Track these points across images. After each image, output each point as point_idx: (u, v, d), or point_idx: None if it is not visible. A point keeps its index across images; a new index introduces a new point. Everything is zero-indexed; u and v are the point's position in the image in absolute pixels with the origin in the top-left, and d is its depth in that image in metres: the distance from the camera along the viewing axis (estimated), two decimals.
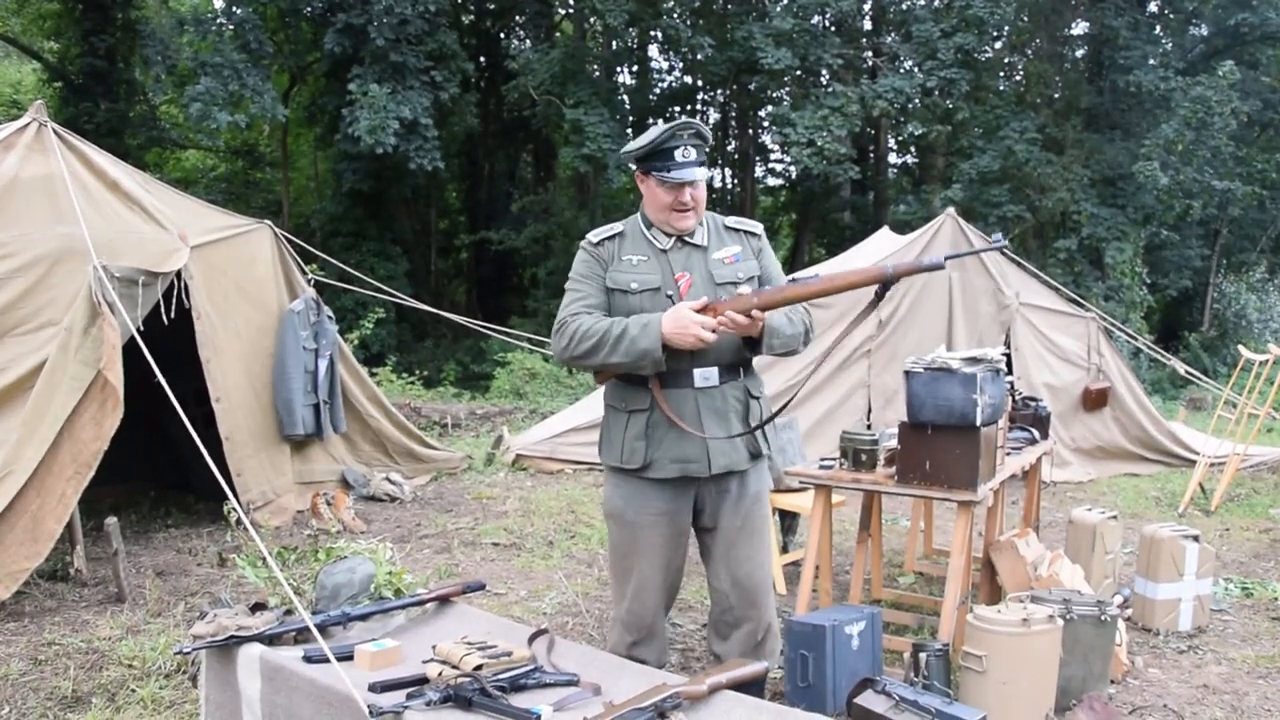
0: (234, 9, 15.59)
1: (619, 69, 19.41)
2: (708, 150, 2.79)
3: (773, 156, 20.44)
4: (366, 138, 13.58)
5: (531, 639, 2.60)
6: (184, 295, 5.07)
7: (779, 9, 15.18)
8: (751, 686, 2.41)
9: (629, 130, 16.79)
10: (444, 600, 2.95)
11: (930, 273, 2.80)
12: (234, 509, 4.44)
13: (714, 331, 2.60)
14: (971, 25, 14.52)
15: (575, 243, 3.01)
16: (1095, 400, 7.72)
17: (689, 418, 2.73)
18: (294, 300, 6.12)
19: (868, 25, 18.36)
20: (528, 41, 19.41)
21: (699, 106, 20.57)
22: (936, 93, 15.20)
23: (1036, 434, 4.44)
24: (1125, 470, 7.84)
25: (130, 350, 4.33)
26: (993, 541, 3.92)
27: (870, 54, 17.20)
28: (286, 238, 6.30)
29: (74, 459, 4.31)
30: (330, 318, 6.27)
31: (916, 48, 15.14)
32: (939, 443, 3.32)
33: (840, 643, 3.21)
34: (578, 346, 2.69)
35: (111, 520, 4.50)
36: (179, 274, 5.01)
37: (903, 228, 11.12)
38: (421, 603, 2.91)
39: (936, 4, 15.94)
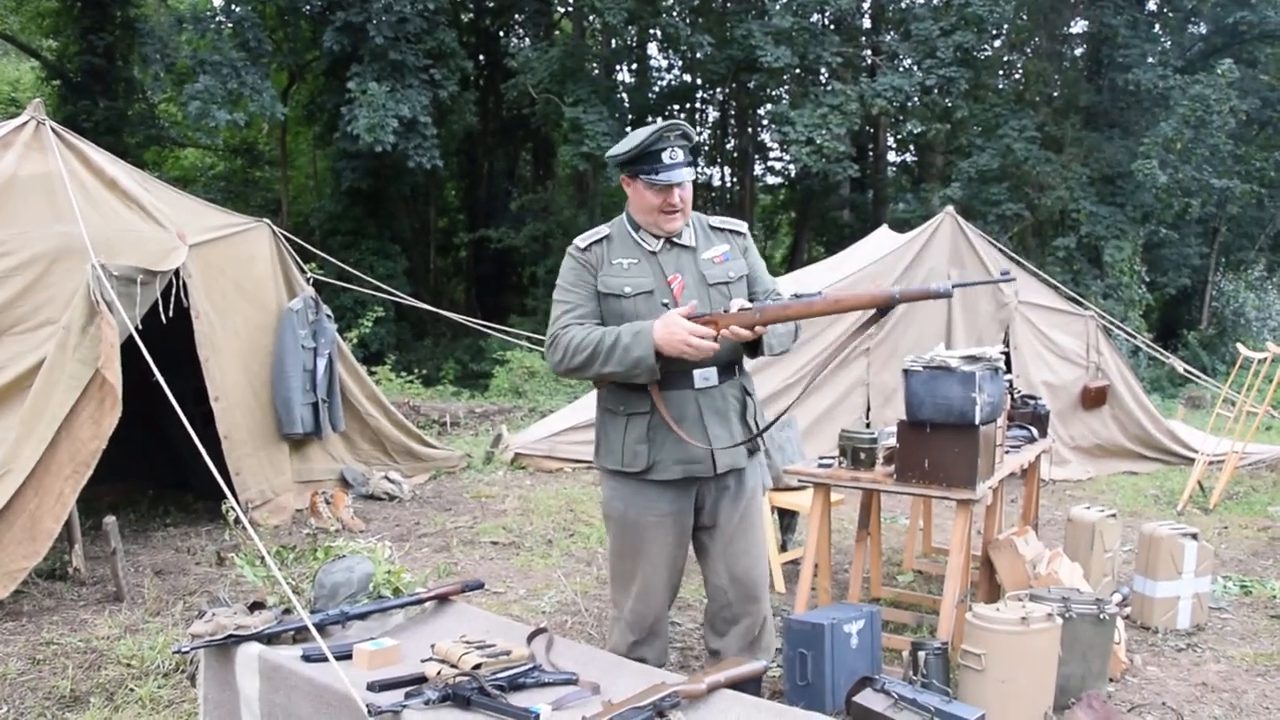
0: (233, 7, 15.59)
1: (618, 67, 19.41)
2: (694, 150, 2.78)
3: (772, 155, 20.46)
4: (365, 136, 13.57)
5: (530, 638, 2.60)
6: (182, 294, 5.07)
7: (778, 7, 15.18)
8: (748, 684, 2.41)
9: (628, 128, 16.79)
10: (442, 599, 2.95)
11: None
12: (232, 508, 4.44)
13: (715, 340, 2.58)
14: (970, 23, 14.51)
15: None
16: (1094, 398, 7.73)
17: (691, 418, 2.72)
18: (293, 299, 6.12)
19: (867, 23, 18.36)
20: (527, 40, 19.41)
21: (698, 105, 20.59)
22: (935, 91, 15.20)
23: (1035, 432, 4.44)
24: (1124, 468, 7.84)
25: (128, 349, 4.32)
26: (991, 540, 3.93)
27: (869, 52, 17.20)
28: (285, 236, 6.29)
29: (72, 458, 4.30)
30: (329, 316, 6.27)
31: (915, 46, 15.13)
32: (938, 441, 3.32)
33: (839, 641, 3.21)
34: (573, 359, 2.68)
35: (110, 519, 4.49)
36: (177, 273, 5.01)
37: (902, 226, 11.12)
38: (420, 601, 2.91)
39: (935, 2, 15.92)
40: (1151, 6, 17.69)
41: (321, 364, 6.08)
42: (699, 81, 19.55)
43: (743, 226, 2.94)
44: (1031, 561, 3.80)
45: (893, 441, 3.55)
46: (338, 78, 15.33)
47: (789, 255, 21.47)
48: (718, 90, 19.89)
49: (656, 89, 19.71)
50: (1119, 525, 4.58)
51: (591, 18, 16.97)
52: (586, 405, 8.04)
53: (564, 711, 2.21)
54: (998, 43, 17.08)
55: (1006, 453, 3.95)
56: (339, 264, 9.21)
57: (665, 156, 2.65)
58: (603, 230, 2.84)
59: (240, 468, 5.53)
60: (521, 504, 6.41)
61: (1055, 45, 17.49)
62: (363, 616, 2.78)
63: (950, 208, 7.95)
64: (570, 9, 18.31)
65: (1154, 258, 16.37)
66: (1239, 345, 8.34)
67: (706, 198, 20.93)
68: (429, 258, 19.35)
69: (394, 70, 14.41)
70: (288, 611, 2.74)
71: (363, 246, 16.42)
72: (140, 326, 4.51)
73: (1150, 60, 15.64)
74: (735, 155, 20.92)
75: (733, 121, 20.89)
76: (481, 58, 19.42)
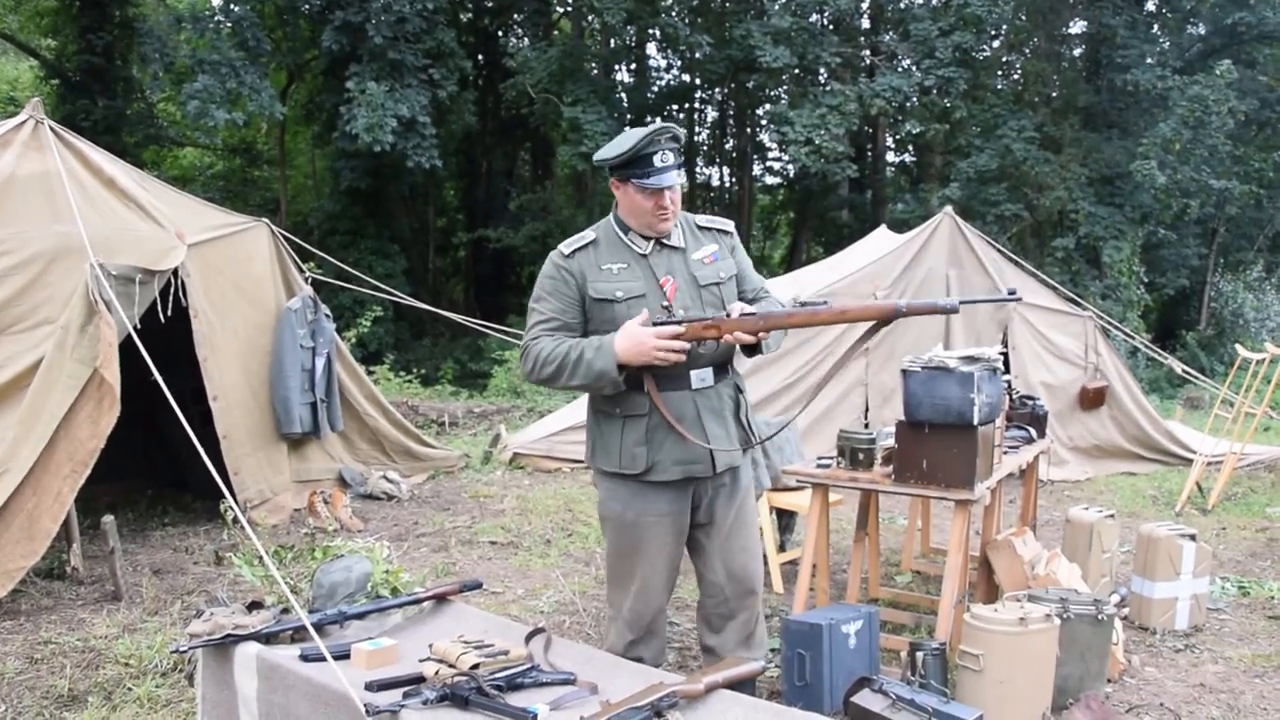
0: (232, 6, 15.60)
1: (617, 67, 19.41)
2: (685, 151, 2.78)
3: (771, 155, 20.47)
4: (364, 136, 13.57)
5: (528, 638, 2.60)
6: (181, 293, 5.06)
7: (777, 7, 15.19)
8: (743, 684, 2.41)
9: (627, 128, 16.78)
10: (441, 599, 2.95)
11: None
12: (231, 507, 4.43)
13: (718, 340, 2.59)
14: (969, 24, 14.52)
15: None
16: (1092, 399, 7.73)
17: (689, 419, 2.73)
18: (291, 298, 6.11)
19: (866, 24, 18.37)
20: (526, 39, 19.41)
21: (697, 105, 20.59)
22: (934, 91, 15.21)
23: (1034, 433, 4.44)
24: (1122, 469, 7.84)
25: (127, 348, 4.32)
26: (990, 540, 3.93)
27: (868, 52, 17.21)
28: (284, 236, 6.29)
29: (70, 457, 4.30)
30: (328, 316, 6.26)
31: (914, 46, 15.14)
32: (936, 441, 3.32)
33: (837, 641, 3.21)
34: (541, 371, 2.69)
35: (108, 519, 4.49)
36: (176, 272, 5.00)
37: (900, 226, 11.13)
38: (418, 601, 2.91)
39: (934, 2, 15.93)
40: (1150, 7, 17.70)
41: (320, 363, 6.07)
42: (698, 81, 19.55)
43: (730, 225, 2.94)
44: (1030, 562, 3.80)
45: (891, 442, 3.55)
46: (336, 77, 15.32)
47: (787, 255, 21.49)
48: (716, 90, 19.89)
49: (655, 89, 19.71)
50: (1117, 526, 4.58)
51: (590, 17, 16.98)
52: (585, 405, 8.03)
53: (562, 711, 2.21)
54: (996, 43, 17.10)
55: (1005, 453, 3.95)
56: (338, 264, 9.21)
57: (656, 160, 2.64)
58: (588, 235, 2.80)
59: (239, 467, 5.53)
60: (520, 504, 6.41)
61: (1054, 46, 17.50)
62: (361, 616, 2.78)
63: (949, 208, 7.95)
64: (569, 9, 18.32)
65: (1153, 258, 16.38)
66: (1237, 346, 8.35)
67: (705, 198, 20.94)
68: (428, 257, 19.35)
69: (393, 70, 14.41)
70: (286, 611, 2.74)
71: (361, 246, 16.42)
72: (139, 326, 4.50)
73: (1149, 61, 15.66)
74: (734, 155, 20.93)
75: (731, 121, 20.90)
76: (480, 57, 19.43)
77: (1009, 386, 4.19)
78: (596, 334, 2.70)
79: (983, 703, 2.98)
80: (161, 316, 4.93)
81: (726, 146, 21.13)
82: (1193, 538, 4.25)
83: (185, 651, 2.68)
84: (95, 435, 4.34)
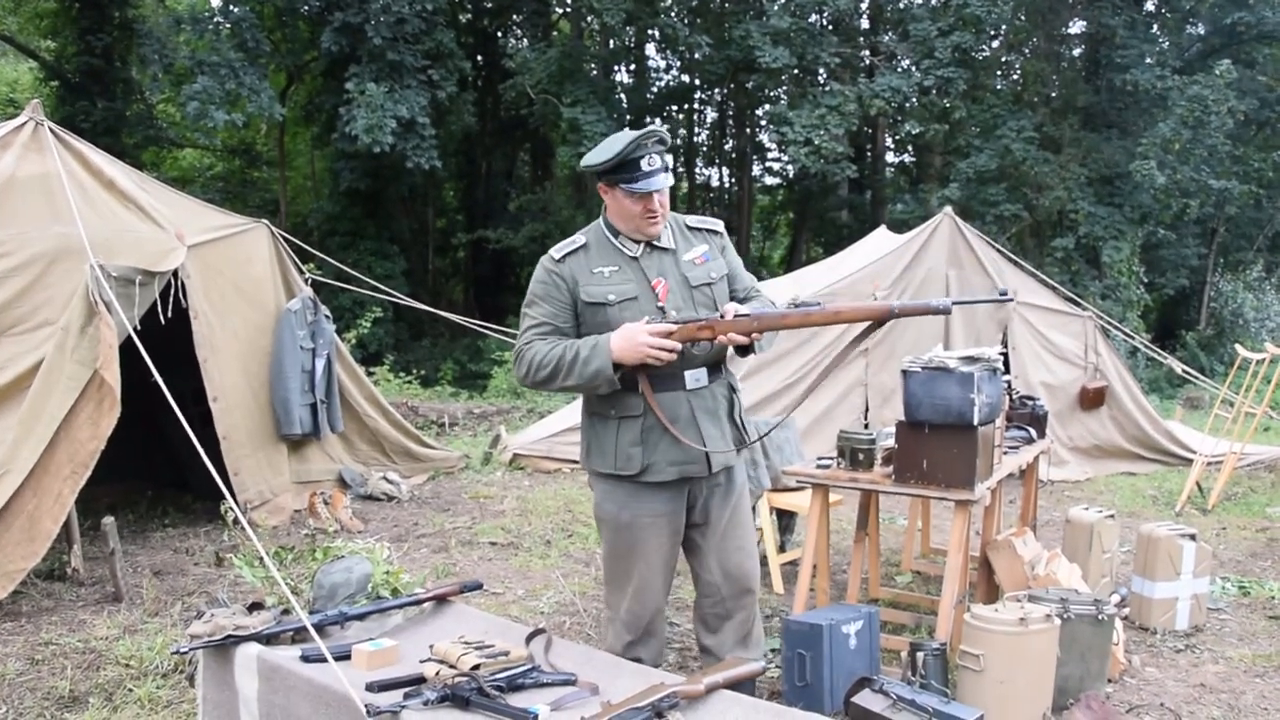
0: (231, 8, 15.58)
1: (616, 68, 19.40)
2: (670, 154, 2.78)
3: (770, 155, 20.46)
4: (364, 137, 13.57)
5: (529, 638, 2.60)
6: (181, 295, 5.06)
7: (776, 8, 15.19)
8: (744, 684, 2.41)
9: (627, 128, 16.77)
10: (441, 600, 2.95)
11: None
12: (231, 508, 4.43)
13: (712, 341, 2.59)
14: (969, 24, 14.52)
15: None
16: (1092, 399, 7.73)
17: (684, 419, 2.73)
18: (291, 299, 6.12)
19: (865, 24, 18.37)
20: (525, 40, 19.40)
21: (696, 105, 20.59)
22: (934, 91, 15.20)
23: (1034, 433, 4.44)
24: (1122, 469, 7.85)
25: (127, 350, 4.32)
26: (990, 540, 3.93)
27: (867, 53, 17.21)
28: (284, 237, 6.29)
29: (71, 458, 4.30)
30: (327, 317, 6.27)
31: (914, 46, 15.14)
32: (936, 442, 3.32)
33: (837, 642, 3.21)
34: (536, 374, 2.69)
35: (108, 520, 4.49)
36: (176, 273, 5.01)
37: (900, 226, 11.13)
38: (419, 602, 2.91)
39: (934, 3, 15.94)
40: (1150, 7, 17.71)
41: (320, 364, 6.07)
42: (697, 82, 19.55)
43: (719, 225, 2.94)
44: (1030, 562, 3.80)
45: (891, 442, 3.56)
46: (336, 78, 15.32)
47: (787, 256, 21.49)
48: (716, 91, 19.88)
49: (655, 89, 19.71)
50: (1117, 526, 4.58)
51: (590, 18, 16.98)
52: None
53: (562, 712, 2.21)
54: (996, 43, 17.10)
55: (1005, 453, 3.95)
56: (337, 264, 9.21)
57: (644, 164, 2.63)
58: (578, 240, 2.80)
59: (239, 468, 5.53)
60: (520, 504, 6.41)
61: (1053, 46, 17.50)
62: (361, 617, 2.78)
63: (948, 208, 7.95)
64: (568, 9, 18.32)
65: (1152, 258, 16.38)
66: (1237, 346, 8.35)
67: (705, 198, 20.93)
68: (427, 258, 19.34)
69: (392, 71, 14.41)
70: (286, 612, 2.74)
71: (361, 247, 16.41)
72: (139, 327, 4.50)
73: (1148, 61, 15.65)
74: (733, 156, 20.92)
75: (731, 122, 20.89)
76: (480, 58, 19.42)
77: (1009, 387, 4.19)
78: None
79: (983, 703, 2.98)
80: (161, 318, 4.94)
81: (726, 147, 21.13)
82: (1193, 538, 4.25)
83: (186, 652, 2.68)
84: (95, 436, 4.35)
